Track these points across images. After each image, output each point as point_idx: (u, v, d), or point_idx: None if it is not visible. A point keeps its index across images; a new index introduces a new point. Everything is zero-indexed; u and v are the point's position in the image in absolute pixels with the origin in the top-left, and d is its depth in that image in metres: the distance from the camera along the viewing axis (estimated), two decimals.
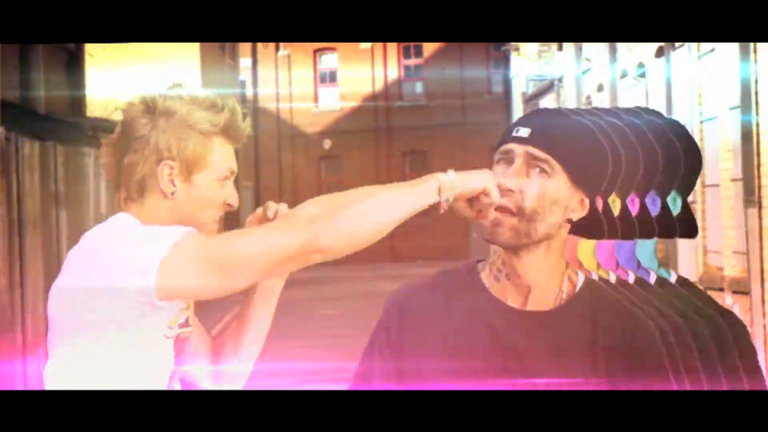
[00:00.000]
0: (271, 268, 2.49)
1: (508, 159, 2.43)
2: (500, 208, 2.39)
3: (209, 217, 2.66)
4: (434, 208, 2.42)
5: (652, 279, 2.56)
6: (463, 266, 2.62)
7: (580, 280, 2.48)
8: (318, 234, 2.41)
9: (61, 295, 2.50)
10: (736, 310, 10.12)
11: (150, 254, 2.43)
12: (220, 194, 2.66)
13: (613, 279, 2.53)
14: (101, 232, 2.55)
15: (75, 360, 2.44)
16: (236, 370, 2.79)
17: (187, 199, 2.62)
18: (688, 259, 11.75)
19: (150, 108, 2.60)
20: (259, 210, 2.71)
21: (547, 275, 2.47)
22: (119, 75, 21.07)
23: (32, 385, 10.42)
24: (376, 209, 2.46)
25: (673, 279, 2.58)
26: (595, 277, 2.50)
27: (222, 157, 2.64)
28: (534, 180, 2.41)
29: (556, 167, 2.40)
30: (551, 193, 2.41)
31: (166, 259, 2.43)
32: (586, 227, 2.47)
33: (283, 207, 2.69)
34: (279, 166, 38.64)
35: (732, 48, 10.03)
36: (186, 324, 2.58)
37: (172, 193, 2.60)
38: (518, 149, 2.42)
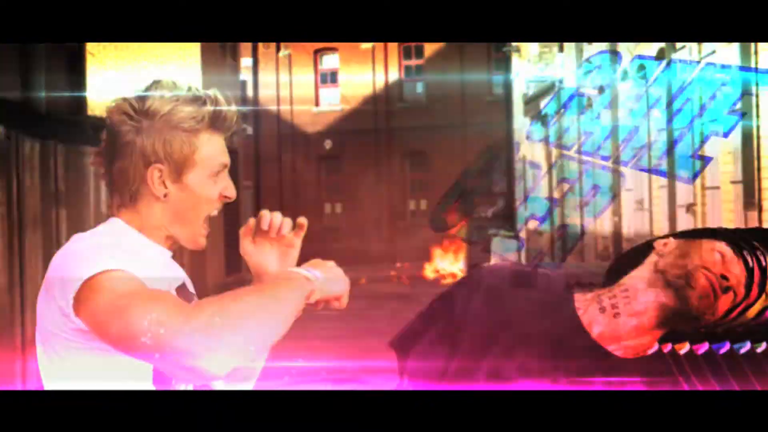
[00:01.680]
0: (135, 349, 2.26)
1: (730, 263, 2.64)
2: (713, 287, 2.54)
3: (205, 213, 2.61)
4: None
5: (723, 349, 2.67)
6: (561, 276, 2.72)
7: (654, 348, 2.61)
8: (203, 357, 2.17)
9: (39, 299, 2.46)
10: None
11: (73, 284, 2.34)
12: (215, 189, 2.61)
13: (686, 348, 2.65)
14: (80, 240, 2.49)
15: (53, 363, 2.39)
16: (248, 367, 2.68)
17: (180, 199, 2.57)
18: None
19: (131, 112, 2.55)
20: (252, 221, 2.68)
21: (652, 339, 2.60)
22: (120, 74, 21.09)
23: (31, 384, 10.41)
24: (263, 330, 2.30)
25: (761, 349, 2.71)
26: (668, 347, 2.64)
27: (212, 152, 2.59)
28: (726, 296, 2.63)
29: (739, 299, 2.61)
30: (721, 311, 2.64)
31: (75, 295, 2.34)
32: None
33: (277, 216, 2.67)
34: (279, 166, 38.64)
35: (733, 51, 10.03)
36: None
37: (165, 196, 2.56)
38: (739, 270, 2.65)
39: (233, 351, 2.21)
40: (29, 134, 10.88)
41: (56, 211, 11.72)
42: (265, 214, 2.68)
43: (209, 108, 2.56)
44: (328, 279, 2.45)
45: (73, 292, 2.34)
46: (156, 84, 2.58)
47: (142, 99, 2.55)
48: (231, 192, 2.63)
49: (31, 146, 10.70)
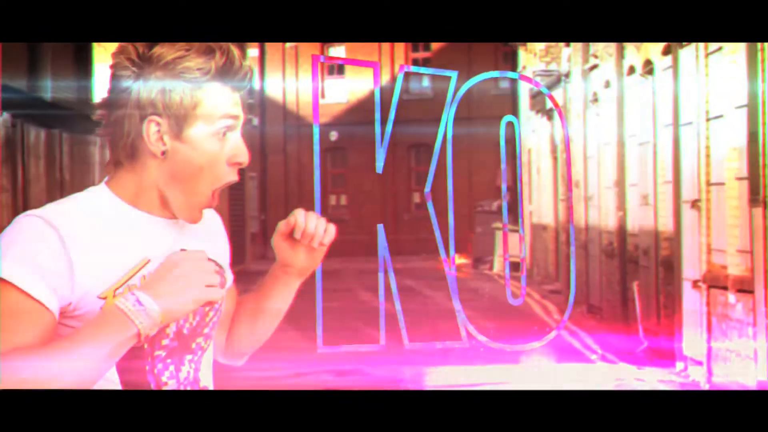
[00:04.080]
0: None
1: None
2: None
3: (209, 179, 2.34)
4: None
5: None
6: None
7: None
8: None
9: None
10: (740, 309, 10.11)
11: None
12: (222, 152, 2.33)
13: None
14: (31, 225, 2.25)
15: None
16: (248, 347, 2.65)
17: (181, 160, 2.31)
18: (693, 258, 11.75)
19: (133, 56, 2.31)
20: (291, 218, 2.46)
21: None
22: None
23: None
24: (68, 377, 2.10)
25: None
26: None
27: (219, 105, 2.32)
28: None
29: None
30: None
31: None
32: None
33: (311, 225, 2.45)
34: (285, 157, 38.66)
35: (739, 47, 10.01)
36: None
37: (163, 153, 2.30)
38: None
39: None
40: (35, 122, 10.89)
41: None
42: (299, 224, 2.44)
43: (218, 60, 2.31)
44: (171, 305, 2.17)
45: None
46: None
47: (149, 44, 2.31)
48: (242, 157, 2.36)
49: (36, 134, 10.71)
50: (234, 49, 2.34)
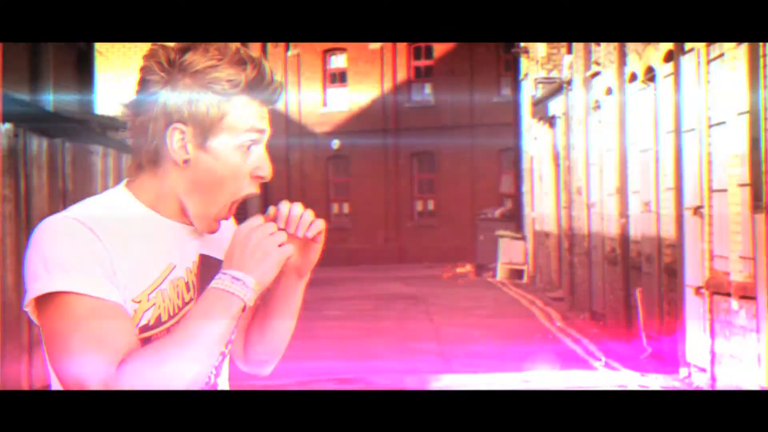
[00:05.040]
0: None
1: None
2: None
3: (230, 191, 2.33)
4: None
5: None
6: None
7: None
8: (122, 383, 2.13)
9: None
10: (743, 316, 10.11)
11: (30, 289, 2.20)
12: (245, 164, 2.32)
13: None
14: (61, 233, 2.22)
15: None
16: (264, 355, 2.60)
17: (202, 169, 2.30)
18: (695, 264, 11.74)
19: (163, 61, 2.30)
20: (272, 210, 2.36)
21: None
22: (129, 73, 21.10)
23: (38, 380, 10.42)
24: (195, 360, 2.18)
25: None
26: None
27: (245, 117, 2.30)
28: None
29: None
30: None
31: (27, 300, 2.22)
32: None
33: (297, 208, 2.35)
34: (287, 165, 38.68)
35: (741, 53, 10.02)
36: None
37: (185, 162, 2.29)
38: None
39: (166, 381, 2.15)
40: (37, 132, 10.90)
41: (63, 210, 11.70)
42: (282, 209, 2.36)
43: (250, 73, 2.30)
44: (260, 273, 2.25)
45: (27, 297, 2.21)
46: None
47: (181, 50, 2.29)
48: (265, 171, 2.34)
49: (39, 144, 10.72)
50: (266, 63, 2.33)
